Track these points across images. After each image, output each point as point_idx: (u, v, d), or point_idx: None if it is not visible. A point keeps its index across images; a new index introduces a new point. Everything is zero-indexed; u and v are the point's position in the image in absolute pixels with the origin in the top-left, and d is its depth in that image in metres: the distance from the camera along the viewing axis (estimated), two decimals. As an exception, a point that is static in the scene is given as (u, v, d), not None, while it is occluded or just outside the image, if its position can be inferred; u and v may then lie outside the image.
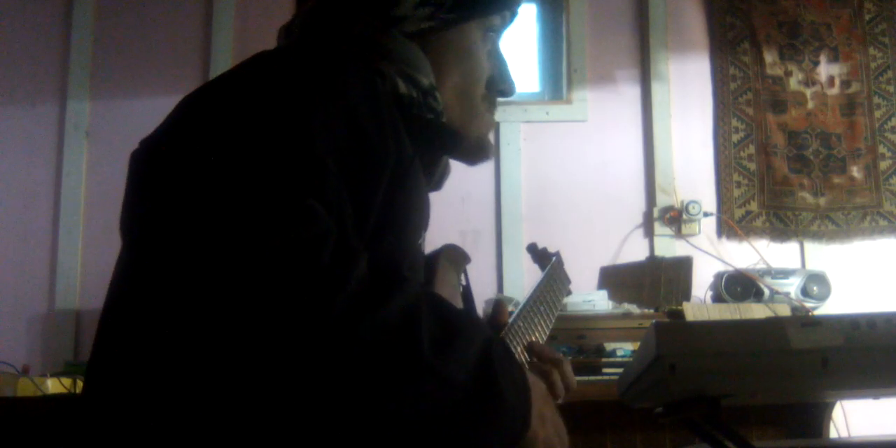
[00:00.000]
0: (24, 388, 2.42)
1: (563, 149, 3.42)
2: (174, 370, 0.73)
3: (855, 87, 3.45)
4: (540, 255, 1.46)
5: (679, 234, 3.32)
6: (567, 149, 3.42)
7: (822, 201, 3.36)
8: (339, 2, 1.01)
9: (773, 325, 1.04)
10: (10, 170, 3.37)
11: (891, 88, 3.45)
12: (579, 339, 2.68)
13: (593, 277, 3.25)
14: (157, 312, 0.74)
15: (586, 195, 3.37)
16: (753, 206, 3.37)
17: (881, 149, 3.40)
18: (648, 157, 3.41)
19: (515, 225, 3.30)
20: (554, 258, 1.41)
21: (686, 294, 3.05)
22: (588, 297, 2.89)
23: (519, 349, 1.06)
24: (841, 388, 1.32)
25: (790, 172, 3.38)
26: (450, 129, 1.01)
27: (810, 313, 2.86)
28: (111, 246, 0.83)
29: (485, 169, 3.34)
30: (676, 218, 3.31)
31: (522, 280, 3.20)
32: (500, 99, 1.11)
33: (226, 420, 0.72)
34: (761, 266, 3.14)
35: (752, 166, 3.39)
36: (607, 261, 3.30)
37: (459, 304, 1.08)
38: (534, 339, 1.12)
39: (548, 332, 1.16)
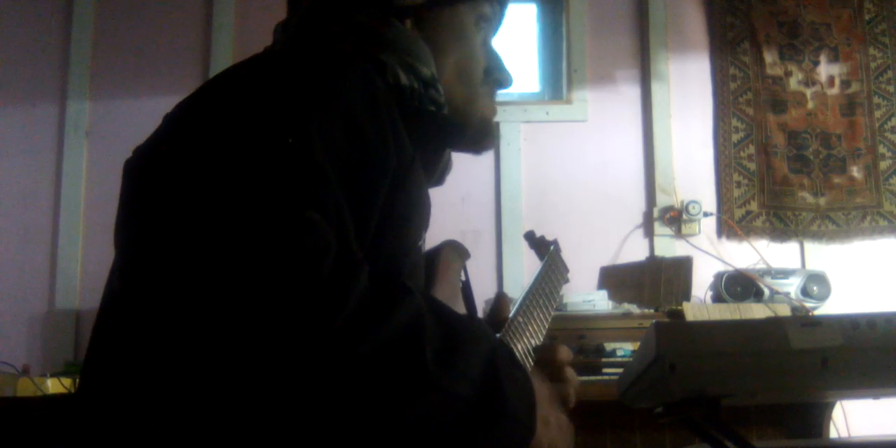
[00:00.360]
0: (24, 388, 2.42)
1: (563, 149, 3.42)
2: (171, 386, 0.72)
3: (855, 87, 3.45)
4: (538, 243, 1.45)
5: (679, 234, 3.32)
6: (567, 149, 3.42)
7: (822, 201, 3.36)
8: None
9: (773, 325, 1.04)
10: (10, 170, 3.37)
11: (891, 88, 3.45)
12: (579, 339, 2.68)
13: (593, 277, 3.25)
14: (151, 329, 0.72)
15: (586, 195, 3.37)
16: (753, 206, 3.37)
17: (881, 149, 3.40)
18: (648, 157, 3.41)
19: (515, 225, 3.30)
20: (552, 246, 1.40)
21: (686, 294, 3.05)
22: (588, 297, 2.89)
23: (520, 347, 1.06)
24: (841, 388, 1.32)
25: (790, 172, 3.38)
26: (452, 120, 1.01)
27: (810, 313, 2.86)
28: (111, 246, 0.83)
29: (485, 169, 3.35)
30: (676, 218, 3.31)
31: (522, 280, 3.20)
32: (499, 92, 1.11)
33: (224, 438, 0.71)
34: (761, 266, 3.14)
35: (752, 166, 3.39)
36: (607, 261, 3.30)
37: (460, 301, 1.07)
38: (533, 330, 1.11)
39: (547, 325, 1.16)
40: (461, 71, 1.04)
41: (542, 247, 1.41)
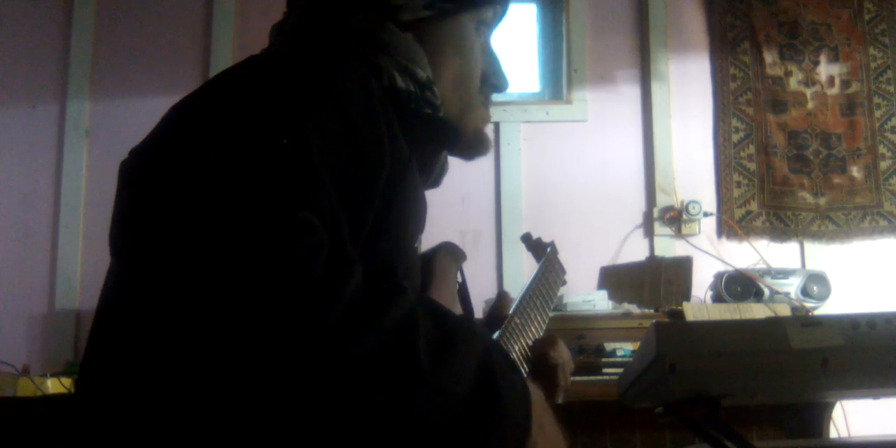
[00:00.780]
0: (24, 388, 2.42)
1: (563, 149, 3.42)
2: (167, 386, 0.72)
3: (855, 87, 3.45)
4: (534, 245, 1.45)
5: (679, 234, 3.32)
6: (567, 149, 3.42)
7: (822, 201, 3.36)
8: None
9: (773, 325, 1.04)
10: (10, 170, 3.37)
11: (891, 88, 3.45)
12: (579, 339, 2.68)
13: (593, 277, 3.25)
14: (147, 328, 0.73)
15: (586, 195, 3.37)
16: (753, 206, 3.37)
17: (881, 149, 3.40)
18: (648, 157, 3.41)
19: (515, 225, 3.30)
20: (549, 248, 1.40)
21: (686, 294, 3.05)
22: (588, 297, 2.89)
23: (516, 348, 1.06)
24: (841, 388, 1.32)
25: (790, 172, 3.38)
26: (448, 123, 1.01)
27: (810, 313, 2.86)
28: (111, 246, 0.83)
29: (485, 169, 3.35)
30: (676, 218, 3.31)
31: (522, 280, 3.20)
32: (495, 95, 1.11)
33: (220, 436, 0.71)
34: (761, 266, 3.14)
35: (752, 166, 3.39)
36: (607, 261, 3.30)
37: (457, 302, 1.08)
38: (531, 333, 1.11)
39: (544, 327, 1.16)
40: (459, 82, 1.04)
41: (540, 249, 1.42)
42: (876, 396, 1.47)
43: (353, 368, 0.69)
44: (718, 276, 3.03)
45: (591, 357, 2.63)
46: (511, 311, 1.12)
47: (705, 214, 3.29)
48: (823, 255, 3.32)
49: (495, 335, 1.06)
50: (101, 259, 0.84)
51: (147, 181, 0.78)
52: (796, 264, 3.29)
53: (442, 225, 3.16)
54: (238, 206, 0.72)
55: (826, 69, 3.46)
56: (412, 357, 0.71)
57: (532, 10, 3.65)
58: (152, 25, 3.49)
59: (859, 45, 3.48)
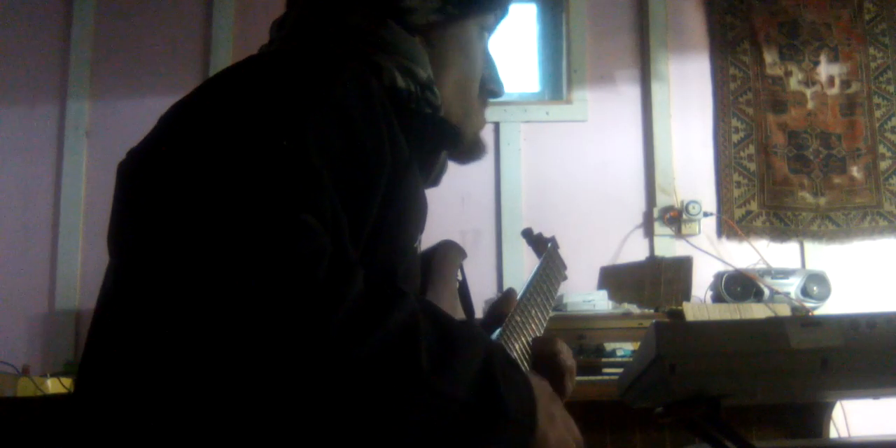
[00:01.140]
0: (24, 388, 2.42)
1: (563, 149, 3.42)
2: (168, 389, 0.72)
3: (855, 87, 3.45)
4: (535, 240, 1.45)
5: (679, 234, 3.32)
6: (567, 149, 3.42)
7: (822, 201, 3.36)
8: None
9: (773, 325, 1.04)
10: (10, 170, 3.37)
11: (891, 88, 3.45)
12: (579, 339, 2.68)
13: (593, 277, 3.25)
14: (147, 331, 0.73)
15: (586, 195, 3.37)
16: (753, 206, 3.37)
17: (881, 149, 3.40)
18: (648, 157, 3.41)
19: (515, 225, 3.30)
20: (550, 244, 1.40)
21: (686, 294, 3.05)
22: (588, 297, 2.89)
23: (517, 346, 1.06)
24: (841, 388, 1.32)
25: (790, 172, 3.38)
26: (449, 123, 1.01)
27: (810, 313, 2.86)
28: (111, 246, 0.83)
29: (485, 169, 3.35)
30: (676, 218, 3.31)
31: (522, 279, 3.19)
32: (491, 100, 1.11)
33: (222, 439, 0.71)
34: (761, 266, 3.14)
35: (752, 166, 3.39)
36: (607, 261, 3.30)
37: (457, 301, 1.07)
38: (531, 331, 1.11)
39: (545, 323, 1.16)
40: (462, 86, 1.04)
41: (540, 244, 1.41)
42: (876, 396, 1.47)
43: (355, 373, 0.69)
44: (718, 276, 3.03)
45: (591, 357, 2.63)
46: (513, 309, 1.12)
47: (705, 214, 3.29)
48: (823, 255, 3.32)
49: (497, 333, 1.06)
50: (101, 259, 0.83)
51: (145, 183, 0.78)
52: (796, 264, 3.29)
53: (442, 225, 3.16)
54: (239, 210, 0.71)
55: (826, 69, 3.46)
56: (414, 362, 0.71)
57: (532, 10, 3.65)
58: (152, 25, 3.49)
59: (859, 45, 3.48)
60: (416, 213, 0.92)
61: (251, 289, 0.68)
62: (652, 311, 2.88)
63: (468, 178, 3.27)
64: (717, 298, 3.01)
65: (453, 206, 3.30)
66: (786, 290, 2.94)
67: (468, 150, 1.08)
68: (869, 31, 3.50)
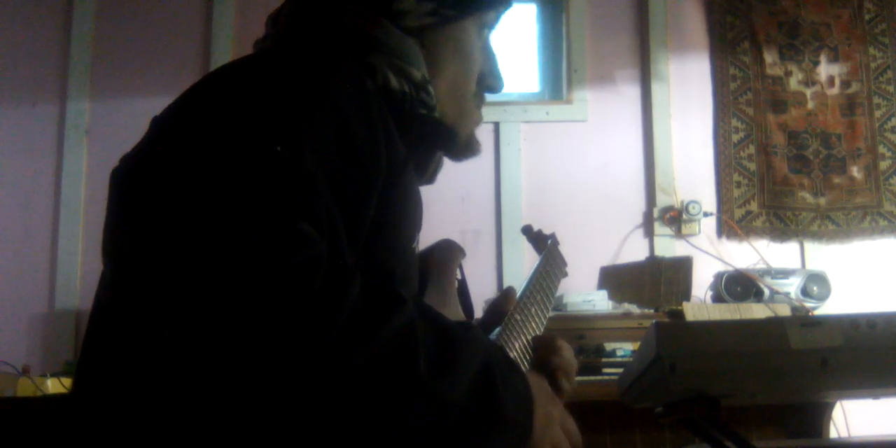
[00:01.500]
0: (24, 388, 2.42)
1: (563, 149, 3.42)
2: (167, 399, 0.72)
3: (855, 87, 3.45)
4: (535, 237, 1.45)
5: (679, 234, 3.32)
6: (567, 149, 3.42)
7: (822, 201, 3.36)
8: None
9: (773, 325, 1.04)
10: (10, 170, 3.37)
11: (891, 88, 3.45)
12: (579, 339, 2.68)
13: (593, 277, 3.25)
14: (144, 342, 0.72)
15: (586, 195, 3.37)
16: (753, 206, 3.37)
17: (881, 149, 3.40)
18: (648, 157, 3.41)
19: (515, 225, 3.30)
20: (550, 241, 1.40)
21: (686, 294, 3.05)
22: (588, 297, 2.89)
23: (517, 345, 1.06)
24: (841, 388, 1.32)
25: (790, 172, 3.38)
26: (444, 124, 1.00)
27: (810, 313, 2.86)
28: (111, 246, 0.83)
29: (485, 169, 3.35)
30: (676, 218, 3.31)
31: (522, 279, 3.19)
32: (491, 95, 1.11)
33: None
34: (761, 266, 3.14)
35: (752, 166, 3.39)
36: (607, 261, 3.30)
37: (456, 301, 1.07)
38: (531, 329, 1.11)
39: (545, 321, 1.16)
40: (456, 86, 1.04)
41: (541, 241, 1.42)
42: (876, 396, 1.47)
43: (354, 381, 0.69)
44: (718, 276, 3.03)
45: (591, 357, 2.63)
46: (512, 307, 1.12)
47: (705, 214, 3.29)
48: (823, 255, 3.32)
49: (496, 331, 1.06)
50: (101, 259, 0.83)
51: (138, 190, 0.77)
52: (796, 264, 3.29)
53: (442, 225, 3.16)
54: (235, 219, 0.70)
55: (826, 69, 3.46)
56: (411, 369, 0.71)
57: (532, 10, 3.65)
58: (152, 25, 3.49)
59: (859, 45, 3.48)
60: (413, 214, 0.92)
61: (248, 300, 0.67)
62: (652, 311, 2.87)
63: (468, 177, 3.27)
64: (717, 298, 3.01)
65: (453, 205, 3.30)
66: (786, 290, 2.94)
67: (462, 149, 1.07)
68: (869, 31, 3.50)
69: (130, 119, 3.27)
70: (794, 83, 3.45)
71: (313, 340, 0.68)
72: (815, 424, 2.49)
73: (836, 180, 3.37)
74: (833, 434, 2.73)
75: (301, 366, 0.68)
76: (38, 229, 3.33)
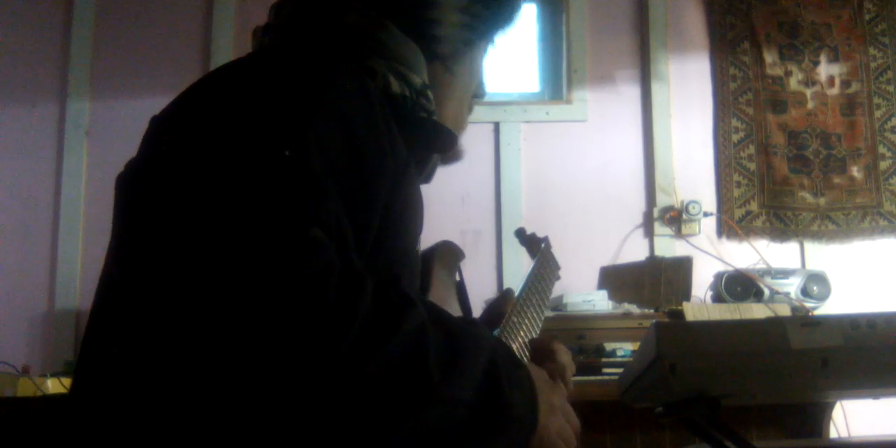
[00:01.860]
0: (24, 388, 2.42)
1: (563, 149, 3.42)
2: (176, 407, 0.72)
3: (855, 87, 3.45)
4: (528, 241, 1.45)
5: (679, 234, 3.32)
6: (567, 149, 3.42)
7: (822, 201, 3.36)
8: None
9: (773, 325, 1.04)
10: (10, 170, 3.37)
11: (891, 88, 3.45)
12: (579, 339, 2.68)
13: (593, 277, 3.25)
14: (151, 347, 0.72)
15: (586, 195, 3.37)
16: (753, 206, 3.37)
17: (881, 149, 3.40)
18: (648, 157, 3.41)
19: (515, 225, 3.27)
20: (543, 244, 1.40)
21: (686, 294, 3.05)
22: (588, 297, 2.89)
23: (514, 347, 1.06)
24: (841, 388, 1.32)
25: (790, 172, 3.38)
26: (444, 126, 1.00)
27: (810, 313, 2.86)
28: (111, 246, 0.82)
29: (485, 169, 3.35)
30: (676, 218, 3.31)
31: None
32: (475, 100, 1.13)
33: None
34: (761, 266, 3.14)
35: (752, 166, 3.39)
36: (607, 261, 3.30)
37: (455, 302, 1.08)
38: (527, 330, 1.12)
39: (540, 324, 1.16)
40: (461, 101, 1.06)
41: (534, 244, 1.42)
42: (876, 396, 1.47)
43: (367, 387, 0.69)
44: (718, 276, 3.03)
45: (591, 357, 2.63)
46: (510, 309, 1.12)
47: (705, 214, 3.29)
48: (823, 255, 3.32)
49: (495, 333, 1.06)
50: (101, 259, 0.83)
51: (145, 196, 0.76)
52: (796, 264, 3.29)
53: (442, 225, 3.16)
54: (246, 226, 0.70)
55: (826, 69, 3.46)
56: (423, 372, 0.72)
57: (532, 10, 3.65)
58: (152, 25, 3.49)
59: (859, 45, 3.48)
60: (416, 216, 0.92)
61: (261, 307, 0.67)
62: (652, 311, 2.87)
63: (468, 177, 3.27)
64: (717, 298, 3.01)
65: (453, 206, 3.30)
66: (786, 290, 2.94)
67: (454, 153, 1.08)
68: (869, 31, 3.50)
69: (130, 119, 3.27)
70: (794, 83, 3.45)
71: (327, 349, 0.68)
72: (815, 424, 2.49)
73: (836, 180, 3.37)
74: (833, 434, 2.73)
75: (313, 373, 0.68)
76: (39, 229, 3.33)
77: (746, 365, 1.04)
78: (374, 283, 0.73)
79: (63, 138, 3.38)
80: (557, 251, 1.48)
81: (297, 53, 0.88)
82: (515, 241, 1.50)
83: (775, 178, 3.37)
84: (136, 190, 0.79)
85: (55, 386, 2.46)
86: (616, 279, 3.22)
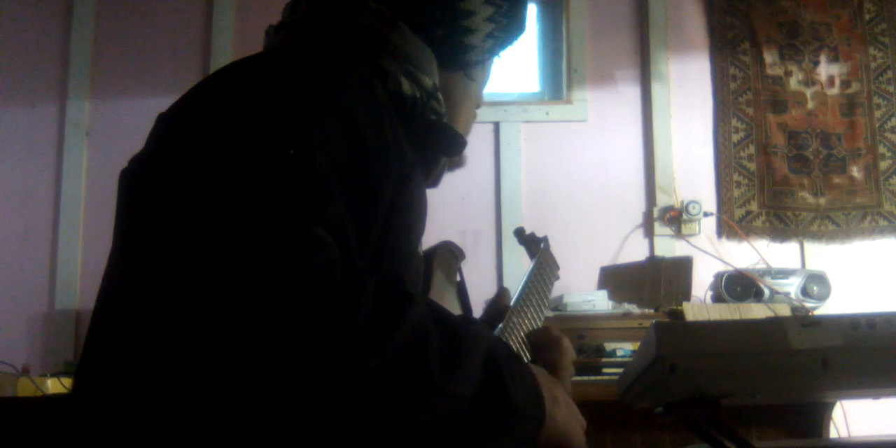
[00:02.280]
0: (24, 388, 2.42)
1: (563, 149, 3.42)
2: (177, 405, 0.71)
3: (855, 87, 3.45)
4: (527, 241, 1.45)
5: (679, 234, 3.32)
6: (567, 149, 3.42)
7: (822, 201, 3.36)
8: None
9: (773, 325, 1.04)
10: (10, 170, 3.37)
11: (891, 88, 3.45)
12: (579, 339, 2.68)
13: (593, 277, 3.25)
14: (153, 344, 0.72)
15: (586, 195, 3.37)
16: (753, 206, 3.37)
17: (881, 149, 3.40)
18: (648, 157, 3.41)
19: (515, 225, 3.26)
20: (542, 243, 1.40)
21: (686, 294, 3.04)
22: (588, 297, 2.89)
23: (514, 347, 1.06)
24: (841, 388, 1.32)
25: (790, 172, 3.38)
26: (453, 130, 1.00)
27: (810, 313, 2.86)
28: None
29: (485, 169, 3.35)
30: (676, 218, 3.31)
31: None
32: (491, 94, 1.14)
33: None
34: (761, 266, 3.14)
35: (752, 166, 3.39)
36: (607, 261, 3.30)
37: (455, 302, 1.08)
38: (527, 328, 1.12)
39: (540, 324, 1.16)
40: (469, 113, 1.08)
41: (533, 244, 1.41)
42: (876, 396, 1.47)
43: (368, 384, 0.69)
44: (718, 276, 3.03)
45: (591, 357, 2.63)
46: (508, 305, 1.12)
47: (705, 214, 3.29)
48: (823, 255, 3.32)
49: (496, 330, 1.06)
50: (101, 259, 0.83)
51: (149, 193, 0.76)
52: (796, 264, 3.29)
53: (442, 225, 3.16)
54: (249, 223, 0.70)
55: (826, 69, 3.46)
56: (424, 368, 0.72)
57: (532, 10, 3.65)
58: (152, 25, 3.49)
59: (859, 45, 3.48)
60: (419, 217, 0.92)
61: (263, 305, 0.67)
62: (652, 311, 2.87)
63: (468, 177, 3.28)
64: (717, 298, 3.01)
65: (453, 206, 3.30)
66: (786, 290, 2.94)
67: (457, 159, 1.09)
68: (869, 31, 3.50)
69: (130, 119, 3.27)
70: (794, 83, 3.45)
71: (329, 346, 0.68)
72: (815, 424, 2.49)
73: (836, 180, 3.37)
74: (833, 434, 2.73)
75: (315, 369, 0.68)
76: (39, 229, 3.33)
77: (746, 365, 1.04)
78: (375, 281, 0.74)
79: (63, 138, 3.38)
80: (557, 251, 1.47)
81: (306, 53, 0.88)
82: (515, 240, 1.50)
83: (775, 178, 3.37)
84: (139, 186, 0.79)
85: (55, 386, 2.46)
86: (616, 279, 3.22)
